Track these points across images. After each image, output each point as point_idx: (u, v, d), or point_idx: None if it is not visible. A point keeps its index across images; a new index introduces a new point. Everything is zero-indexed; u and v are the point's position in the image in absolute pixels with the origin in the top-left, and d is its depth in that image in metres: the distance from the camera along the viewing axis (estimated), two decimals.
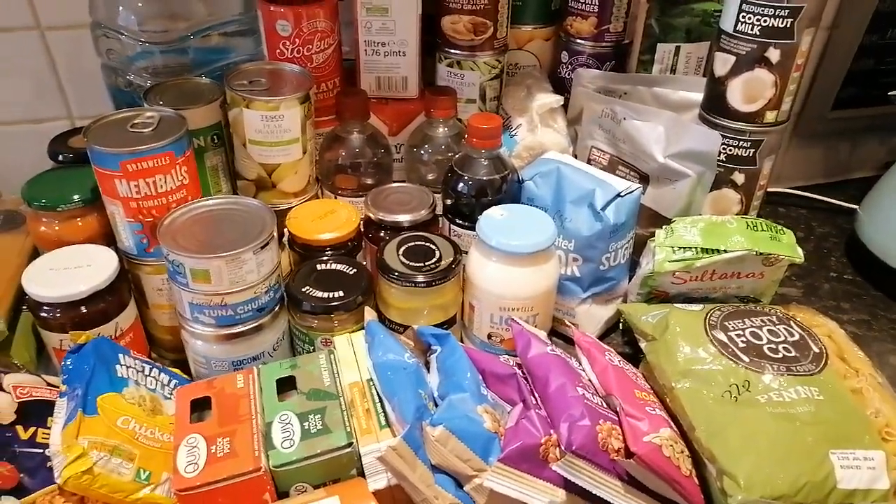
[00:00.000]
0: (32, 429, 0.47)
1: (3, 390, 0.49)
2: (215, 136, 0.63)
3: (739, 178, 0.65)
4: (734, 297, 0.62)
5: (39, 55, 0.77)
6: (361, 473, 0.47)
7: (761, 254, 0.58)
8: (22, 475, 0.45)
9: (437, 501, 0.45)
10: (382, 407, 0.49)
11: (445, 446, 0.45)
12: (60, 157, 0.64)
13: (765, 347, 0.54)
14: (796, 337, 0.56)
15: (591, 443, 0.47)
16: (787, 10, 0.56)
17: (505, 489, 0.46)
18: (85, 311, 0.53)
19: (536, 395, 0.51)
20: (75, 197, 0.57)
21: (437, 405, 0.50)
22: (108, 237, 0.57)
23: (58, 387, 0.50)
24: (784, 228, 0.60)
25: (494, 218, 0.59)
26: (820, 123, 0.90)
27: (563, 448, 0.46)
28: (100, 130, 0.53)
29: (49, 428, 0.47)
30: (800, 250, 0.59)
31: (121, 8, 0.63)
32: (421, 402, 0.48)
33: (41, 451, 0.46)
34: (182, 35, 0.65)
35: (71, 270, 0.53)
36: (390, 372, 0.50)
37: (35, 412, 0.48)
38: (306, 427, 0.47)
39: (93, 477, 0.43)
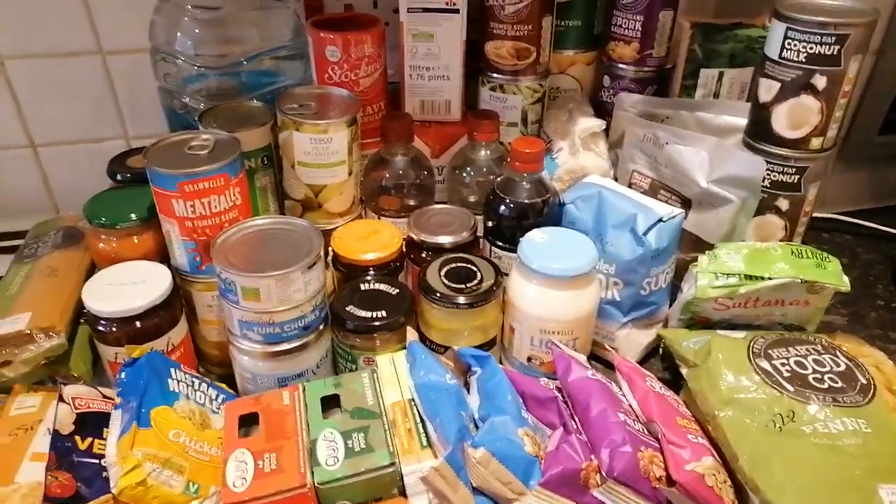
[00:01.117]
0: (90, 439, 0.49)
1: (64, 401, 0.51)
2: (265, 158, 0.65)
3: (784, 204, 0.65)
4: (778, 324, 0.62)
5: (100, 78, 0.81)
6: (403, 493, 0.47)
7: (806, 282, 0.57)
8: (79, 484, 0.46)
9: None
10: (423, 427, 0.50)
11: (487, 468, 0.46)
12: (119, 177, 0.67)
13: (810, 377, 0.54)
14: (842, 367, 0.55)
15: (632, 469, 0.47)
16: (833, 38, 0.56)
17: None
18: (140, 325, 0.55)
19: (577, 419, 0.52)
20: (132, 215, 0.59)
21: (477, 427, 0.51)
22: (162, 254, 0.59)
23: (113, 399, 0.52)
24: (830, 256, 0.60)
25: (536, 241, 0.59)
26: (866, 148, 0.89)
27: (604, 474, 0.47)
28: (159, 152, 0.56)
29: (105, 439, 0.49)
30: (846, 278, 0.58)
31: (179, 34, 0.65)
32: (463, 424, 0.49)
33: (97, 461, 0.48)
34: (236, 60, 0.67)
35: (127, 286, 0.55)
36: (432, 393, 0.51)
37: (92, 423, 0.50)
38: (350, 445, 0.48)
39: (146, 488, 0.45)
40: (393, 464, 0.47)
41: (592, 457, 0.48)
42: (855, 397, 0.53)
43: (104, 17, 0.78)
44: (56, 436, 0.48)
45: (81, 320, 0.59)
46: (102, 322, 0.54)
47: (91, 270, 0.62)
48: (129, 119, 0.85)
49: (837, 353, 0.57)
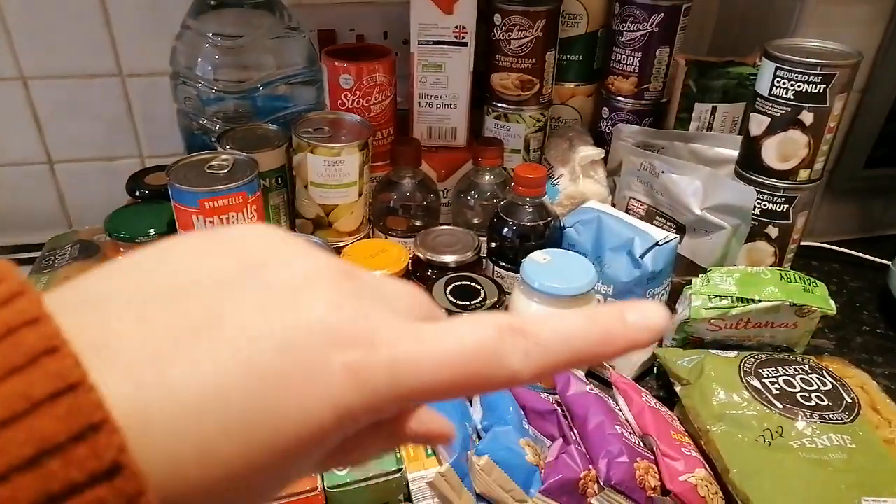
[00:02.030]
0: None
1: None
2: (279, 178, 0.68)
3: (773, 231, 0.68)
4: (768, 345, 0.65)
5: (119, 99, 0.84)
6: (408, 498, 0.49)
7: (795, 305, 0.60)
8: None
9: None
10: None
11: (490, 475, 0.48)
12: (137, 193, 0.70)
13: (798, 395, 0.56)
14: (829, 386, 0.58)
15: (628, 479, 0.49)
16: (820, 77, 0.60)
17: None
18: None
19: (576, 431, 0.54)
20: (151, 230, 0.62)
21: (480, 437, 0.53)
22: None
23: None
24: (817, 281, 0.63)
25: (537, 261, 0.62)
26: (853, 181, 0.92)
27: (601, 483, 0.49)
28: (180, 170, 0.59)
29: None
30: (832, 302, 0.61)
31: (199, 60, 0.68)
32: (466, 434, 0.51)
33: None
34: (252, 85, 0.70)
35: None
36: (437, 404, 0.53)
37: None
38: None
39: None
40: (400, 470, 0.49)
41: (590, 467, 0.50)
42: (840, 415, 0.55)
43: (126, 42, 0.81)
44: None
45: None
46: None
47: None
48: (145, 139, 0.88)
49: (824, 373, 0.60)
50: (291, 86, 0.74)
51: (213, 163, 0.60)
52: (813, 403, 0.56)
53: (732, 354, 0.61)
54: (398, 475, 0.49)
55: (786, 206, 0.66)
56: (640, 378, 0.70)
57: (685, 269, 0.70)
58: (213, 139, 0.68)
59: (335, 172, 0.66)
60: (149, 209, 0.64)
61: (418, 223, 0.73)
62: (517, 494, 0.49)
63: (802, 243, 0.88)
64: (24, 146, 0.85)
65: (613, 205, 0.75)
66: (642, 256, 0.62)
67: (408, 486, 0.49)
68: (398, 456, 0.50)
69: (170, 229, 0.60)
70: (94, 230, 0.75)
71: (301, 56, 0.74)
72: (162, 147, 0.87)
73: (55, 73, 0.81)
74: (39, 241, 0.76)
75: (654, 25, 0.72)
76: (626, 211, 0.74)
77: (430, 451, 0.51)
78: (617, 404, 0.58)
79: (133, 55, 0.82)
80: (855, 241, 0.99)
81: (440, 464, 0.50)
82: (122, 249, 0.62)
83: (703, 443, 0.56)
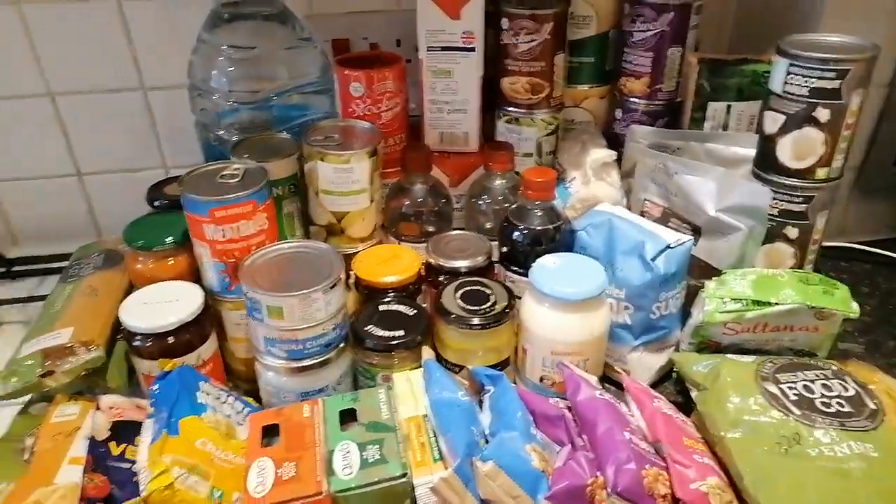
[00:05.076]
0: (123, 446, 0.52)
1: (100, 410, 0.54)
2: (292, 186, 0.69)
3: (793, 232, 0.66)
4: (788, 349, 0.63)
5: (142, 112, 0.87)
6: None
7: (813, 307, 0.58)
8: (112, 487, 0.49)
9: None
10: (437, 441, 0.52)
11: (495, 481, 0.48)
12: (156, 203, 0.71)
13: (817, 401, 0.55)
14: (851, 392, 0.56)
15: (636, 486, 0.48)
16: (834, 73, 0.58)
17: None
18: (172, 341, 0.58)
19: (585, 437, 0.53)
20: (168, 239, 0.63)
21: (487, 443, 0.52)
22: (194, 275, 0.63)
23: (146, 409, 0.55)
24: (838, 283, 0.61)
25: (547, 266, 0.62)
26: (882, 179, 0.89)
27: (608, 490, 0.48)
28: (193, 180, 0.60)
29: (137, 445, 0.52)
30: (855, 305, 0.59)
31: (214, 72, 0.70)
32: (472, 439, 0.51)
33: (129, 466, 0.51)
34: (267, 95, 0.71)
35: (162, 304, 0.59)
36: (445, 408, 0.53)
37: (126, 431, 0.53)
38: (365, 457, 0.50)
39: (173, 492, 0.47)
40: (405, 475, 0.49)
41: (598, 473, 0.49)
42: (863, 422, 0.53)
43: (147, 56, 0.84)
44: (93, 441, 0.51)
45: (119, 336, 0.63)
46: (138, 337, 0.58)
47: (129, 290, 0.66)
48: (168, 150, 0.90)
49: (847, 378, 0.58)
50: (305, 95, 0.76)
51: (225, 172, 0.61)
52: (833, 410, 0.54)
53: (750, 359, 0.60)
54: (403, 480, 0.49)
55: (804, 205, 0.65)
56: (657, 384, 0.69)
57: (702, 273, 0.68)
58: (229, 149, 0.69)
59: (345, 180, 0.67)
60: (166, 219, 0.66)
61: (431, 228, 0.73)
62: (523, 501, 0.48)
63: (831, 244, 0.86)
64: (54, 159, 0.88)
65: (628, 208, 0.74)
66: (654, 259, 0.62)
67: (413, 491, 0.49)
68: (404, 461, 0.50)
69: (185, 238, 0.62)
70: (119, 240, 0.76)
71: (314, 66, 0.75)
72: (184, 158, 0.90)
73: (81, 88, 0.84)
74: (70, 252, 0.79)
75: (665, 25, 0.71)
76: (641, 214, 0.73)
77: (437, 457, 0.51)
78: (629, 409, 0.57)
79: (154, 69, 0.84)
80: (887, 240, 0.95)
81: (447, 469, 0.50)
82: (140, 258, 0.64)
83: (717, 450, 0.55)
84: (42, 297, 0.71)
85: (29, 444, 0.54)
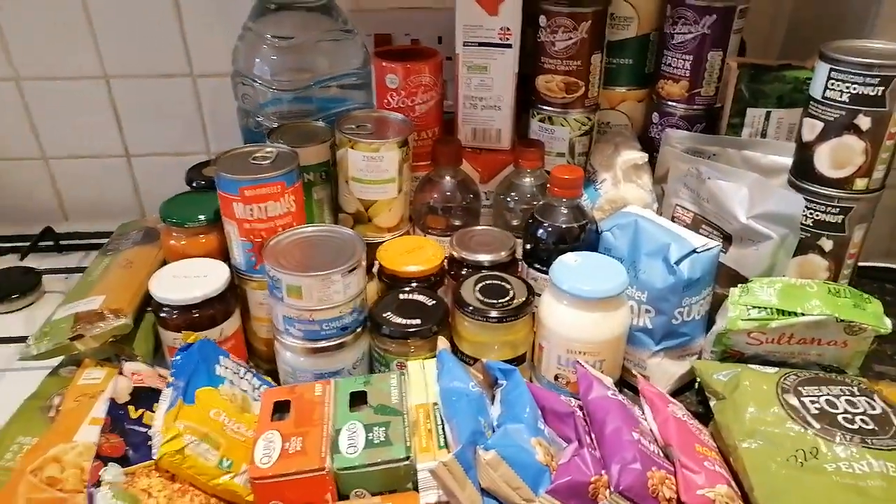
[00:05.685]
0: (141, 411, 0.54)
1: (123, 375, 0.57)
2: (324, 173, 0.71)
3: (827, 244, 0.64)
4: (815, 364, 0.61)
5: (190, 98, 0.90)
6: (417, 488, 0.50)
7: (842, 321, 0.56)
8: (127, 448, 0.51)
9: None
10: (444, 430, 0.52)
11: (496, 471, 0.48)
12: (194, 184, 0.74)
13: (839, 417, 0.53)
14: (878, 411, 0.54)
15: (639, 486, 0.47)
16: (878, 79, 0.56)
17: None
18: (196, 314, 0.60)
19: (593, 436, 0.53)
20: (201, 217, 0.65)
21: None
22: (224, 254, 0.65)
23: (167, 378, 0.57)
24: (871, 297, 0.58)
25: (568, 263, 0.61)
26: None
27: (611, 488, 0.47)
28: (227, 161, 0.62)
29: (154, 412, 0.54)
30: (888, 321, 0.57)
31: (258, 60, 0.72)
32: (478, 428, 0.50)
33: (145, 430, 0.53)
34: (306, 85, 0.73)
35: (190, 279, 0.61)
36: (454, 396, 0.53)
37: (145, 397, 0.55)
38: (370, 437, 0.50)
39: (183, 457, 0.49)
40: (408, 458, 0.49)
41: (603, 472, 0.49)
42: (887, 441, 0.51)
43: (197, 43, 0.87)
44: (112, 403, 0.53)
45: (148, 308, 0.66)
46: (164, 309, 0.60)
47: (162, 265, 0.68)
48: (212, 136, 0.94)
49: (875, 397, 0.55)
50: (343, 88, 0.77)
51: (258, 154, 0.63)
52: (856, 426, 0.52)
53: (772, 370, 0.58)
54: (406, 463, 0.49)
55: (840, 216, 0.62)
56: (679, 393, 0.68)
57: (730, 282, 0.66)
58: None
59: (374, 168, 0.68)
60: (201, 198, 0.68)
61: (457, 223, 0.73)
62: (524, 493, 0.48)
63: (875, 263, 0.83)
64: (106, 140, 0.92)
65: (660, 212, 0.73)
66: (678, 262, 0.60)
67: (416, 475, 0.50)
68: (408, 445, 0.50)
69: (217, 217, 0.64)
70: (158, 219, 0.80)
71: (355, 58, 0.76)
72: (227, 144, 0.91)
73: (134, 73, 0.88)
74: (114, 229, 0.82)
75: (706, 27, 0.70)
76: (672, 219, 0.72)
77: (442, 444, 0.51)
78: (643, 412, 0.56)
79: (203, 56, 0.88)
80: None
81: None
82: (174, 234, 0.66)
83: (732, 460, 0.53)
84: (84, 270, 0.74)
85: (56, 402, 0.57)
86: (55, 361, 0.62)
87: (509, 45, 0.71)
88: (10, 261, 0.87)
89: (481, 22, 0.71)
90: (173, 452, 0.49)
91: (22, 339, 0.64)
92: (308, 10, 0.73)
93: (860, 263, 0.69)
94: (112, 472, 0.49)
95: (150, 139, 0.93)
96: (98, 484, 0.47)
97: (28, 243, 0.90)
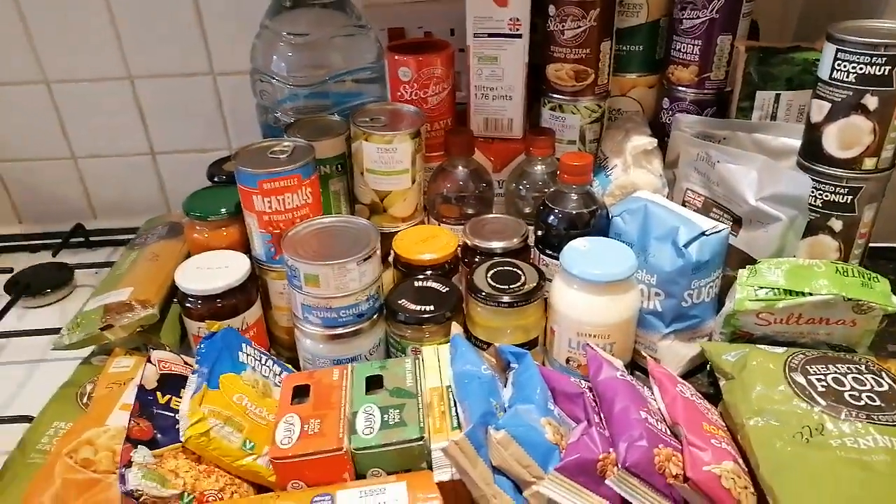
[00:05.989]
0: (168, 396, 0.57)
1: (151, 362, 0.59)
2: (339, 165, 0.73)
3: (837, 224, 0.64)
4: (824, 343, 0.61)
5: (211, 96, 0.93)
6: (431, 467, 0.52)
7: (850, 300, 0.57)
8: (156, 432, 0.54)
9: (494, 500, 0.49)
10: (457, 412, 0.54)
11: (506, 450, 0.49)
12: (215, 178, 0.77)
13: (846, 394, 0.53)
14: (885, 388, 0.54)
15: (646, 463, 0.49)
16: (884, 58, 0.56)
17: (560, 498, 0.48)
18: (220, 304, 0.63)
19: (602, 415, 0.54)
20: (222, 210, 0.68)
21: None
22: (245, 245, 0.67)
23: (192, 366, 0.59)
24: (879, 276, 0.59)
25: (578, 248, 0.62)
26: None
27: (618, 464, 0.49)
28: (246, 155, 0.64)
29: (181, 398, 0.57)
30: (895, 299, 0.57)
31: (275, 57, 0.74)
32: (489, 409, 0.52)
33: (173, 415, 0.55)
34: (321, 80, 0.75)
35: (213, 270, 0.64)
36: (466, 379, 0.55)
37: (172, 383, 0.58)
38: (386, 419, 0.53)
39: (208, 439, 0.52)
40: (422, 438, 0.51)
41: (611, 449, 0.50)
42: (893, 416, 0.52)
43: (217, 43, 0.89)
44: (141, 389, 0.56)
45: (174, 299, 0.68)
46: (189, 299, 0.63)
47: (187, 258, 0.71)
48: (233, 132, 0.96)
49: (883, 374, 0.56)
50: (358, 82, 0.79)
51: (275, 148, 0.65)
52: (862, 403, 0.53)
53: (780, 350, 0.59)
54: (420, 443, 0.51)
55: (849, 196, 0.63)
56: (690, 375, 0.69)
57: (741, 264, 0.67)
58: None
59: (388, 159, 0.69)
60: (222, 192, 0.70)
61: (470, 211, 0.75)
62: (534, 471, 0.50)
63: (890, 244, 0.82)
64: (132, 138, 0.95)
65: (670, 197, 0.73)
66: (687, 245, 0.61)
67: (430, 454, 0.52)
68: (422, 426, 0.52)
69: (237, 210, 0.66)
70: (182, 214, 0.82)
71: (369, 53, 0.78)
72: (248, 140, 0.93)
73: (157, 72, 0.91)
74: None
75: (714, 12, 0.70)
76: (683, 203, 0.73)
77: (455, 425, 0.53)
78: (652, 393, 0.58)
79: (222, 55, 0.90)
80: None
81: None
82: (197, 228, 0.69)
83: (739, 437, 0.54)
84: (113, 264, 0.77)
85: (88, 389, 0.60)
86: (87, 351, 0.66)
87: (519, 36, 0.72)
88: (43, 257, 0.91)
89: (491, 13, 0.72)
90: (199, 435, 0.51)
91: (56, 331, 0.68)
92: (322, 6, 0.75)
93: (873, 244, 0.69)
94: (141, 454, 0.51)
95: (174, 137, 0.96)
96: (129, 465, 0.50)
97: (60, 240, 0.94)
